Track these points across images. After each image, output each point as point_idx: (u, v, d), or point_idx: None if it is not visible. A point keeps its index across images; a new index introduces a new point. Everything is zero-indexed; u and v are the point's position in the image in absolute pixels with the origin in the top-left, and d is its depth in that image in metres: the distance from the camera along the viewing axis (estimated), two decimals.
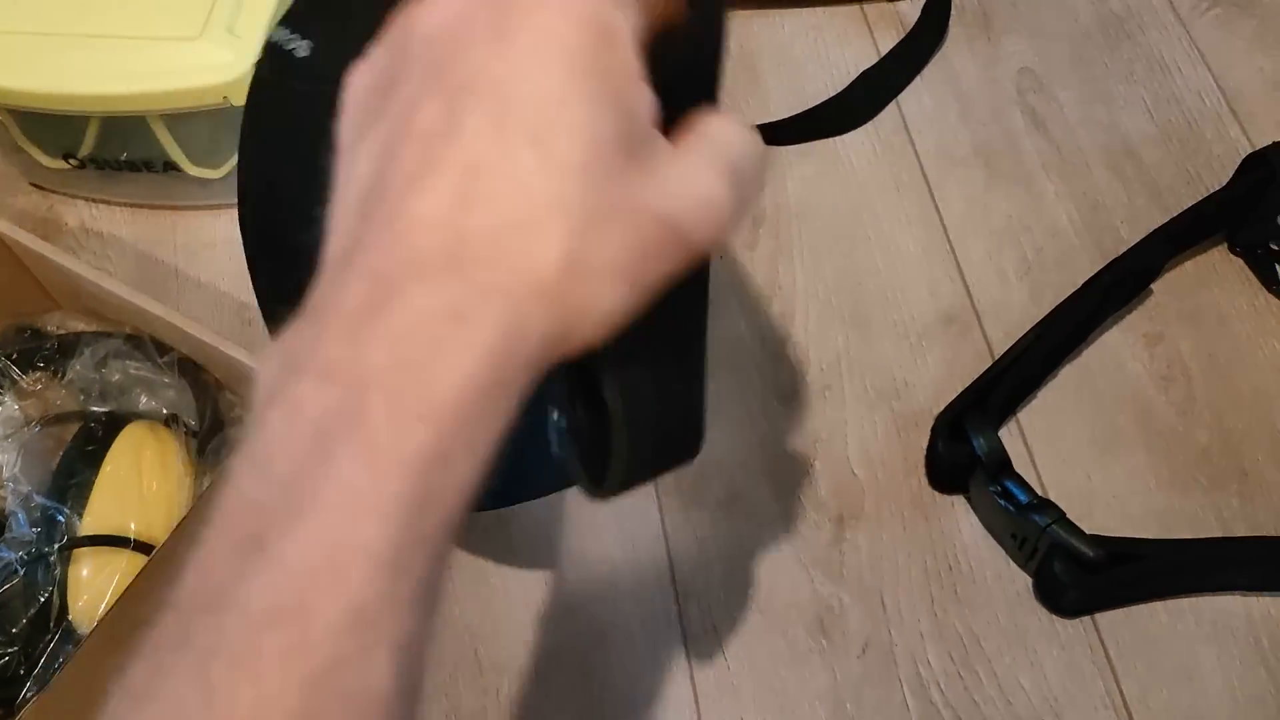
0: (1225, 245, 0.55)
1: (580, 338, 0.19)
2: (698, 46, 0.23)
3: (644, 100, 0.20)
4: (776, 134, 0.60)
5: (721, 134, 0.21)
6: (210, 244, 0.58)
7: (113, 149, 0.56)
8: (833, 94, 0.61)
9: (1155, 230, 0.52)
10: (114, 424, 0.45)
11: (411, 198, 0.19)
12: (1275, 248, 0.54)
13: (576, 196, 0.19)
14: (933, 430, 0.47)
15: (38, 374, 0.49)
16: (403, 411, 0.18)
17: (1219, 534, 0.47)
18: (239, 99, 0.51)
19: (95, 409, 0.47)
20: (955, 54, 0.63)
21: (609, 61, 0.19)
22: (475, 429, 0.18)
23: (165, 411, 0.47)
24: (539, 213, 0.18)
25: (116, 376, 0.48)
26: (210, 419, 0.47)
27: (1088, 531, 0.43)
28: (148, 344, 0.48)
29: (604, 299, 0.19)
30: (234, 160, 0.55)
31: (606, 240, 0.19)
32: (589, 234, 0.19)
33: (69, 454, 0.44)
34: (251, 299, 0.56)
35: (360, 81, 0.21)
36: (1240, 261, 0.55)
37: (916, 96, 0.62)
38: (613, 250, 0.19)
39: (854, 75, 0.62)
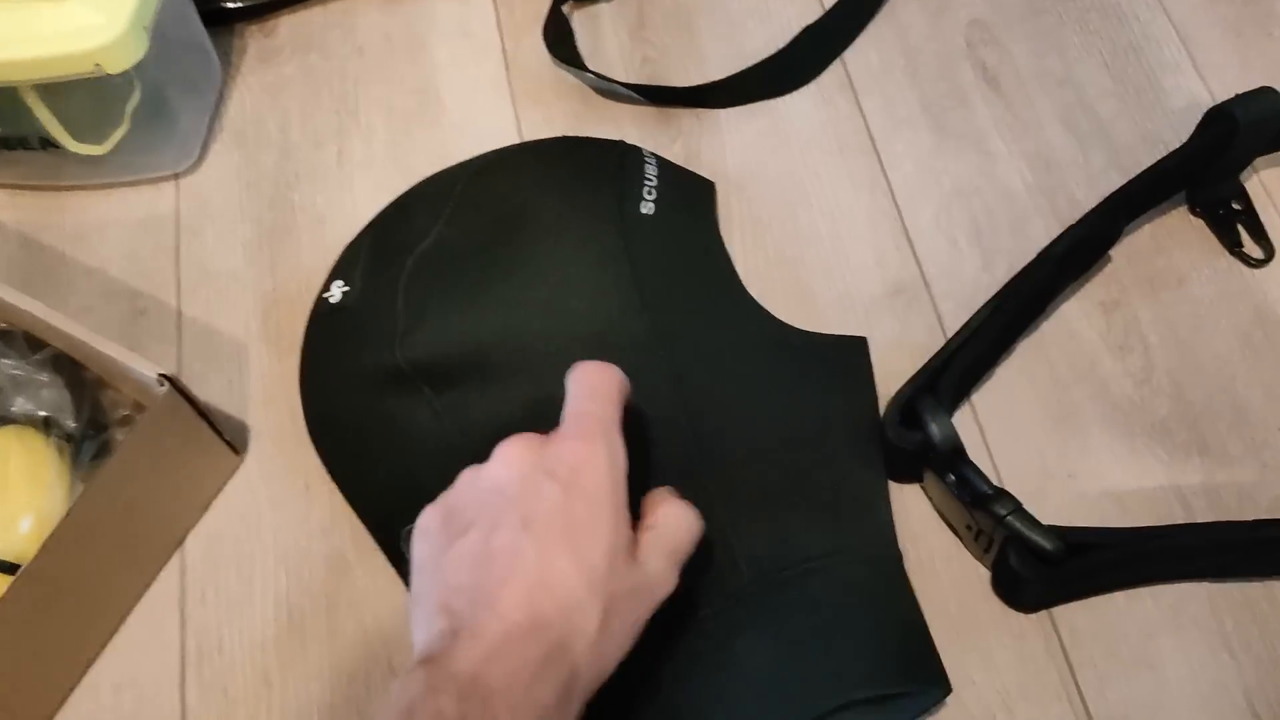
0: (1186, 206, 0.52)
1: (606, 672, 0.33)
2: None
3: (628, 516, 0.35)
4: (713, 96, 0.56)
5: (668, 523, 0.36)
6: (99, 226, 0.53)
7: None
8: (773, 52, 0.57)
9: (1112, 194, 0.49)
10: None
11: (504, 590, 0.32)
12: (1238, 208, 0.52)
13: (603, 585, 0.33)
14: (883, 417, 0.44)
15: None
16: (519, 711, 0.30)
17: (1180, 515, 0.44)
18: (113, 66, 0.46)
19: None
20: (902, 7, 0.59)
21: (617, 497, 0.34)
22: None
23: (41, 414, 0.43)
24: (584, 596, 0.32)
25: None
26: (88, 420, 0.43)
27: (1044, 518, 0.40)
28: (19, 340, 0.44)
29: (620, 644, 0.34)
30: (120, 134, 0.51)
31: (620, 608, 0.33)
32: (611, 606, 0.33)
33: None
34: (144, 286, 0.52)
35: (431, 519, 0.36)
36: (1201, 223, 0.52)
37: (862, 53, 0.58)
38: (623, 612, 0.33)
39: (796, 31, 0.58)
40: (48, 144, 0.51)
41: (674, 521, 0.36)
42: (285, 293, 0.51)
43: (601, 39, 0.58)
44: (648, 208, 0.49)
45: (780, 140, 0.55)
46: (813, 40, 0.57)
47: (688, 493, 0.38)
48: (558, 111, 0.56)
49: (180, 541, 0.45)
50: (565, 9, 0.58)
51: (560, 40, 0.57)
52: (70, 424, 0.43)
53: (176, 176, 0.54)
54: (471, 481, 0.36)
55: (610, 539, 0.33)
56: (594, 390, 0.37)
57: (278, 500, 0.46)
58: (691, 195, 0.51)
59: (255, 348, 0.50)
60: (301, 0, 0.59)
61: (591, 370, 0.38)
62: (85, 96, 0.49)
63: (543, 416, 0.38)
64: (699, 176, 0.52)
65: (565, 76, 0.57)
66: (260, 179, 0.54)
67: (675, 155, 0.55)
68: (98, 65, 0.46)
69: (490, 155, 0.51)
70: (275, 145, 0.55)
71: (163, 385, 0.40)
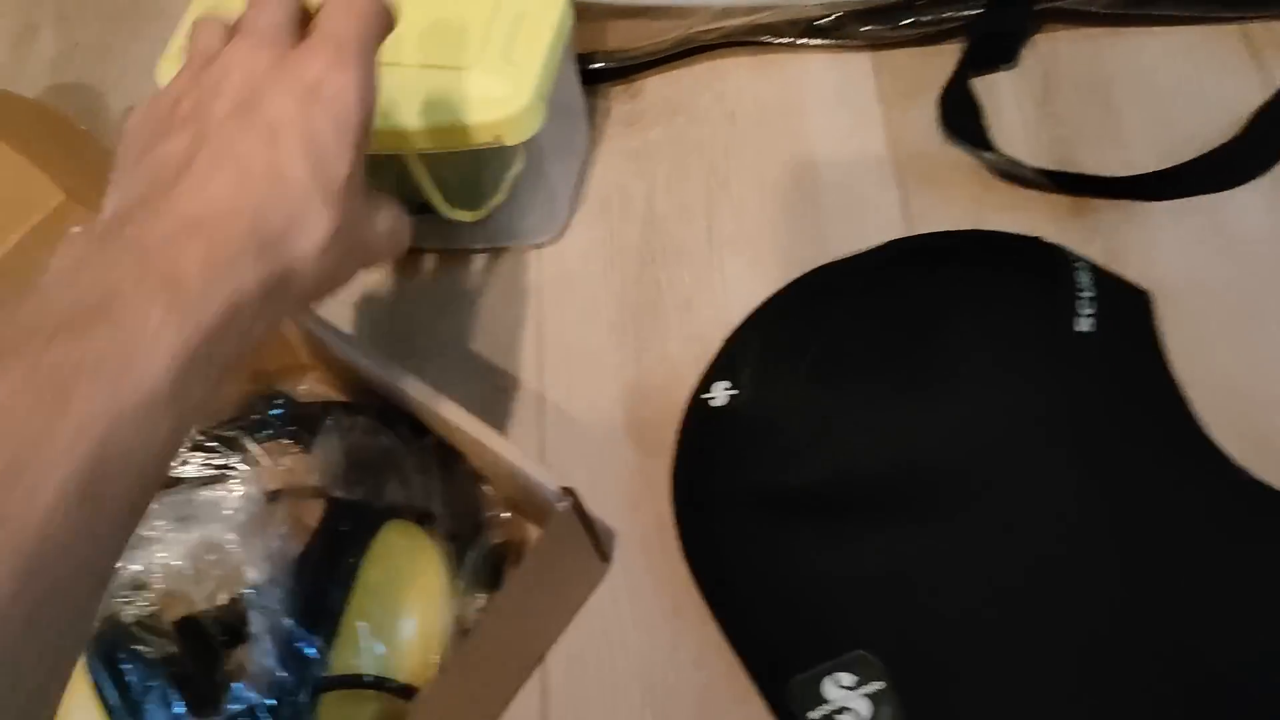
0: None
1: (317, 296, 0.32)
2: None
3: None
4: (1143, 187, 0.48)
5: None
6: (459, 294, 0.51)
7: None
8: (1207, 134, 0.49)
9: None
10: (364, 523, 0.39)
11: (216, 174, 0.29)
12: None
13: (338, 202, 0.30)
14: None
15: (278, 444, 0.43)
16: (214, 287, 0.27)
17: None
18: (513, 138, 0.43)
19: (340, 495, 0.40)
20: None
21: (362, 130, 0.31)
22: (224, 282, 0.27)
23: (415, 501, 0.40)
24: (317, 204, 0.30)
25: (364, 448, 0.42)
26: (471, 522, 0.40)
27: None
28: (402, 422, 0.42)
29: (337, 279, 0.32)
30: (496, 201, 0.48)
31: (346, 238, 0.31)
32: (343, 229, 0.30)
33: (317, 565, 0.37)
34: (504, 362, 0.50)
35: (151, 102, 0.33)
36: None
37: None
38: (348, 245, 0.31)
39: (1234, 111, 0.49)
40: (422, 209, 0.49)
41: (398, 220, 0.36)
42: (651, 382, 0.47)
43: (1001, 112, 0.51)
44: (1084, 324, 0.42)
45: (1225, 242, 0.47)
46: (1266, 126, 0.49)
47: (1119, 681, 0.31)
48: (952, 195, 0.50)
49: (541, 658, 0.41)
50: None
51: (961, 113, 0.50)
52: (447, 519, 0.40)
53: (539, 246, 0.52)
54: (195, 74, 0.32)
55: (352, 164, 0.30)
56: (347, 12, 0.32)
57: (644, 621, 0.42)
58: (1129, 309, 0.44)
59: (620, 441, 0.46)
60: (668, 60, 0.56)
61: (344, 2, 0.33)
62: (465, 161, 0.47)
63: (944, 555, 0.35)
64: (1134, 286, 0.45)
65: (957, 154, 0.51)
66: (625, 252, 0.51)
67: (1095, 255, 0.47)
68: (498, 137, 0.43)
69: (891, 248, 0.46)
70: (640, 216, 0.52)
71: (564, 501, 0.36)
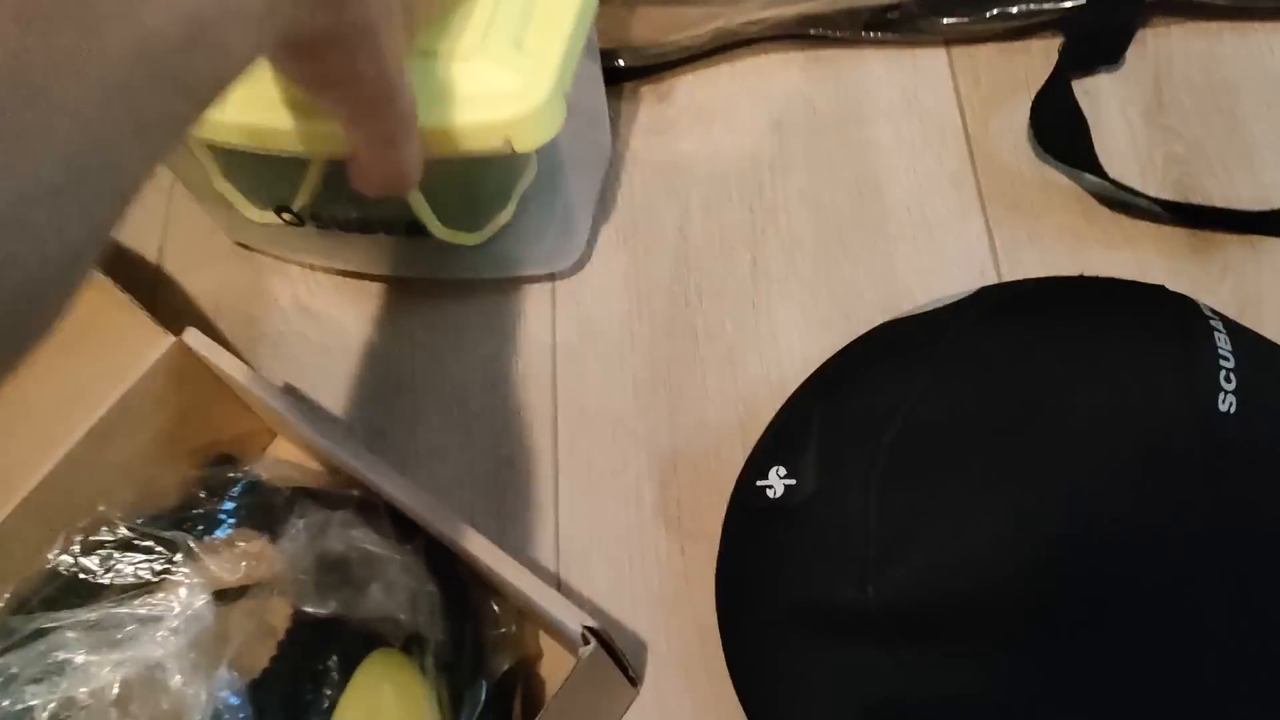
0: None
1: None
2: None
3: None
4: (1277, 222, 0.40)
5: None
6: (458, 338, 0.43)
7: (338, 202, 0.41)
8: None
9: None
10: (341, 652, 0.31)
11: None
12: None
13: None
14: None
15: (236, 532, 0.35)
16: None
17: None
18: (525, 143, 0.35)
19: (310, 611, 0.33)
20: None
21: None
22: None
23: (401, 616, 0.32)
24: None
25: (339, 550, 0.34)
26: (470, 644, 0.33)
27: None
28: (384, 519, 0.34)
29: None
30: (501, 221, 0.40)
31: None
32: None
33: (282, 704, 0.30)
34: (512, 426, 0.42)
35: None
36: None
37: None
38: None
39: None
40: (413, 229, 0.41)
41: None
42: (689, 456, 0.39)
43: (1103, 124, 0.43)
44: (1227, 402, 0.34)
45: None
46: None
47: None
48: (1046, 226, 0.42)
49: None
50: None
51: (1062, 126, 0.42)
52: (442, 645, 0.32)
53: (553, 278, 0.44)
54: None
55: None
56: None
57: None
58: (1273, 378, 0.36)
59: (651, 530, 0.38)
60: (705, 57, 0.47)
61: None
62: (465, 172, 0.39)
63: (1056, 686, 0.29)
64: (1277, 347, 0.37)
65: (1051, 174, 0.43)
66: (653, 291, 0.43)
67: (1222, 301, 0.39)
68: (507, 140, 0.34)
69: (984, 299, 0.38)
70: (671, 247, 0.44)
71: (588, 645, 0.29)
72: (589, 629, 0.29)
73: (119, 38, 0.18)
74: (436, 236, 0.40)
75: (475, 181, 0.40)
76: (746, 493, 0.36)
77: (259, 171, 0.40)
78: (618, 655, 0.31)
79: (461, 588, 0.34)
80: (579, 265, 0.44)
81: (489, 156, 0.35)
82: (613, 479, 0.39)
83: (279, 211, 0.42)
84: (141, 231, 0.48)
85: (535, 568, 0.38)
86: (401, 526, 0.34)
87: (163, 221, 0.48)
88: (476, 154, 0.35)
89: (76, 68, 0.17)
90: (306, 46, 0.24)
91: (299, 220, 0.42)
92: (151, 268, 0.46)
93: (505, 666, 0.33)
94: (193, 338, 0.36)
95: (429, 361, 0.43)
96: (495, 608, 0.34)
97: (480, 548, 0.31)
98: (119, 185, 0.19)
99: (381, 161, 0.30)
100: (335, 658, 0.31)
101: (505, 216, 0.40)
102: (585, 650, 0.29)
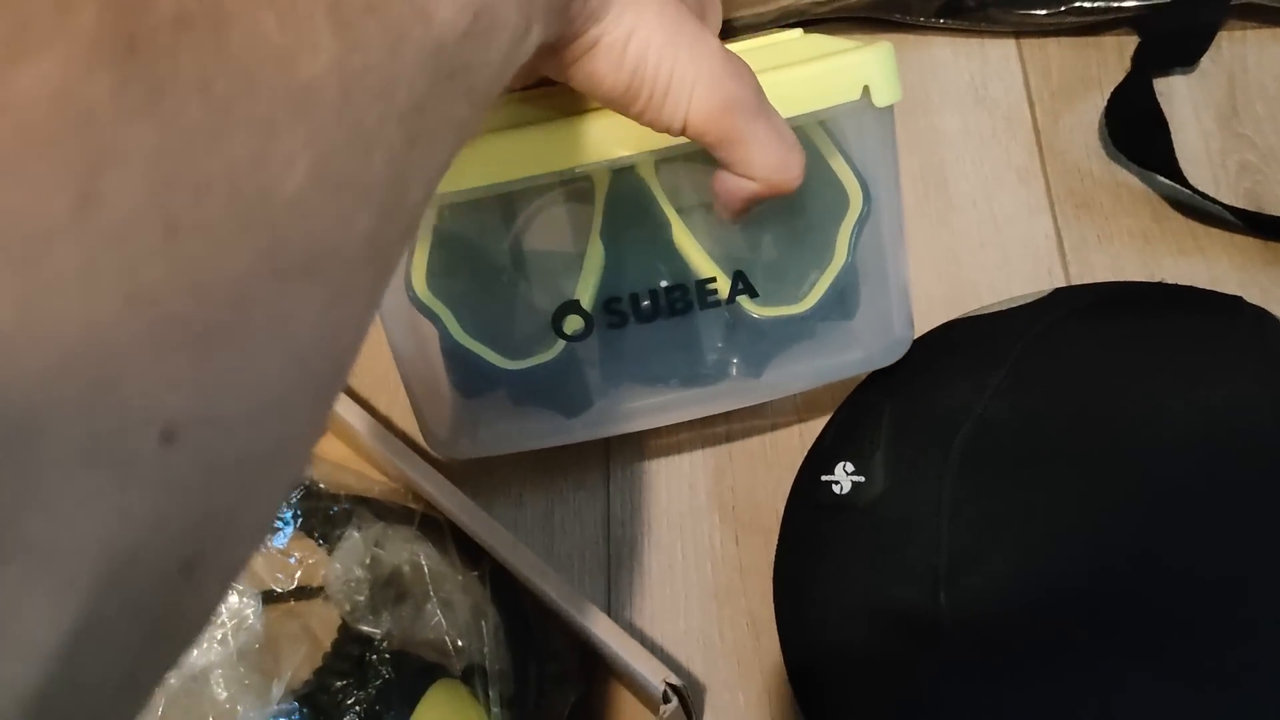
0: None
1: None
2: None
3: None
4: None
5: None
6: None
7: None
8: None
9: None
10: (403, 681, 0.29)
11: None
12: None
13: None
14: None
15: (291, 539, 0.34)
16: None
17: None
18: (883, 96, 0.29)
19: (361, 629, 0.31)
20: None
21: None
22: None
23: (460, 644, 0.31)
24: None
25: (396, 564, 0.32)
26: (534, 679, 0.31)
27: None
28: (448, 539, 0.33)
29: None
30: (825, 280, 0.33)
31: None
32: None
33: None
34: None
35: None
36: None
37: None
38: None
39: None
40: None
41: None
42: (743, 443, 0.38)
43: (1177, 127, 0.42)
44: None
45: None
46: None
47: None
48: (1115, 227, 0.41)
49: None
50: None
51: (1140, 127, 0.41)
52: (504, 678, 0.31)
53: None
54: None
55: None
56: None
57: None
58: None
59: (706, 517, 0.37)
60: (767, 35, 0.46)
61: None
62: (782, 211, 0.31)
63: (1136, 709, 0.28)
64: None
65: (1122, 174, 0.42)
66: None
67: None
68: (866, 90, 0.28)
69: (1059, 300, 0.37)
70: None
71: (668, 701, 0.28)
72: (671, 686, 0.28)
73: (419, 40, 0.15)
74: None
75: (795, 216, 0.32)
76: (811, 487, 0.35)
77: (509, 287, 0.32)
78: (689, 709, 0.30)
79: (526, 618, 0.32)
80: None
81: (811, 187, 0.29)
82: (666, 463, 0.38)
83: (560, 329, 0.31)
84: None
85: (585, 551, 0.37)
86: (466, 551, 0.33)
87: None
88: (827, 114, 0.29)
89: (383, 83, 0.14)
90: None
91: (587, 329, 0.31)
92: None
93: (570, 700, 0.32)
94: None
95: None
96: (559, 640, 0.33)
97: (540, 574, 0.30)
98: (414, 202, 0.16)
99: (739, 164, 0.24)
100: (396, 684, 0.30)
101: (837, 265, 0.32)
102: (667, 709, 0.28)
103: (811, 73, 0.28)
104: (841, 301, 0.34)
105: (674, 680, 0.27)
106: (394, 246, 0.15)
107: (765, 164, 0.24)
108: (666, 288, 0.32)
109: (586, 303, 0.31)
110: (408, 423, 0.39)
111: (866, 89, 0.28)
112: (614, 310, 0.32)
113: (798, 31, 0.35)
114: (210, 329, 0.12)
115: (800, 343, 0.34)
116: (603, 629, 0.29)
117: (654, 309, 0.32)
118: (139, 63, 0.11)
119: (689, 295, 0.32)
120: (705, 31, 0.23)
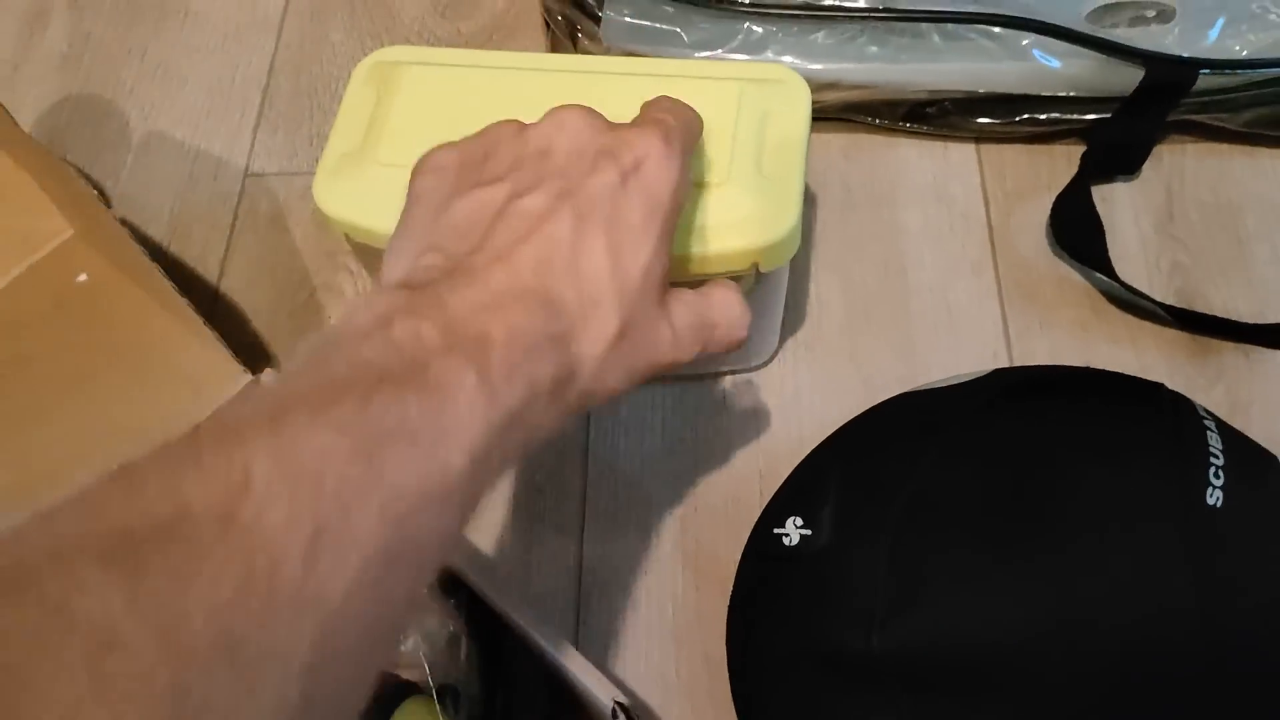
0: None
1: (595, 399, 0.27)
2: None
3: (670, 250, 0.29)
4: (1274, 335, 0.43)
5: (715, 302, 0.30)
6: None
7: None
8: None
9: None
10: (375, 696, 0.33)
11: (523, 248, 0.26)
12: None
13: (631, 298, 0.27)
14: None
15: None
16: (515, 375, 0.24)
17: None
18: (770, 266, 0.36)
19: None
20: None
21: (670, 219, 0.28)
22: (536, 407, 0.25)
23: (429, 664, 0.34)
24: (609, 298, 0.26)
25: None
26: (500, 705, 0.34)
27: None
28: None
29: (619, 380, 0.27)
30: None
31: (634, 337, 0.27)
32: (629, 326, 0.27)
33: None
34: (544, 464, 0.44)
35: (449, 157, 0.29)
36: None
37: None
38: (634, 343, 0.27)
39: None
40: None
41: (721, 305, 0.31)
42: (709, 499, 0.42)
43: (1117, 228, 0.46)
44: (1214, 497, 0.36)
45: None
46: None
47: None
48: (1057, 317, 0.45)
49: None
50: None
51: (1080, 228, 0.45)
52: (473, 701, 0.34)
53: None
54: (513, 135, 0.29)
55: (652, 256, 0.27)
56: (674, 109, 0.31)
57: None
58: (1262, 478, 0.39)
59: (669, 567, 0.41)
60: None
61: (672, 100, 0.32)
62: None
63: None
64: (1268, 453, 0.40)
65: (1065, 269, 0.46)
66: None
67: (1215, 403, 0.42)
68: (754, 265, 0.36)
69: (996, 380, 0.41)
70: None
71: (617, 718, 0.31)
72: (619, 704, 0.31)
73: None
74: None
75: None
76: (763, 539, 0.39)
77: None
78: None
79: (499, 647, 0.36)
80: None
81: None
82: (636, 514, 0.42)
83: None
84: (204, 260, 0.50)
85: (557, 592, 0.40)
86: (445, 579, 0.36)
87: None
88: (722, 276, 0.34)
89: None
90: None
91: None
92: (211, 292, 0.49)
93: None
94: (271, 378, 0.39)
95: None
96: (528, 669, 0.36)
97: (514, 607, 0.33)
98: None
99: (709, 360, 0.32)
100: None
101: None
102: None
103: (716, 252, 0.35)
104: None
105: (622, 699, 0.31)
106: None
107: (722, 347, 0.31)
108: None
109: None
110: None
111: (756, 264, 0.36)
112: None
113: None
114: None
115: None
116: (565, 653, 0.32)
117: None
118: None
119: None
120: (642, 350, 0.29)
